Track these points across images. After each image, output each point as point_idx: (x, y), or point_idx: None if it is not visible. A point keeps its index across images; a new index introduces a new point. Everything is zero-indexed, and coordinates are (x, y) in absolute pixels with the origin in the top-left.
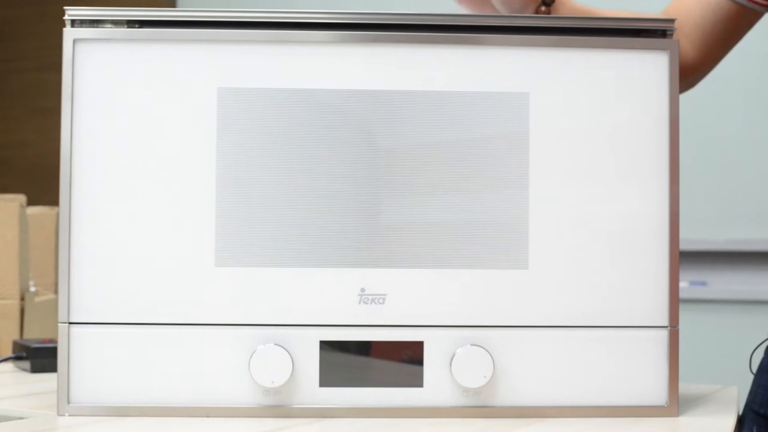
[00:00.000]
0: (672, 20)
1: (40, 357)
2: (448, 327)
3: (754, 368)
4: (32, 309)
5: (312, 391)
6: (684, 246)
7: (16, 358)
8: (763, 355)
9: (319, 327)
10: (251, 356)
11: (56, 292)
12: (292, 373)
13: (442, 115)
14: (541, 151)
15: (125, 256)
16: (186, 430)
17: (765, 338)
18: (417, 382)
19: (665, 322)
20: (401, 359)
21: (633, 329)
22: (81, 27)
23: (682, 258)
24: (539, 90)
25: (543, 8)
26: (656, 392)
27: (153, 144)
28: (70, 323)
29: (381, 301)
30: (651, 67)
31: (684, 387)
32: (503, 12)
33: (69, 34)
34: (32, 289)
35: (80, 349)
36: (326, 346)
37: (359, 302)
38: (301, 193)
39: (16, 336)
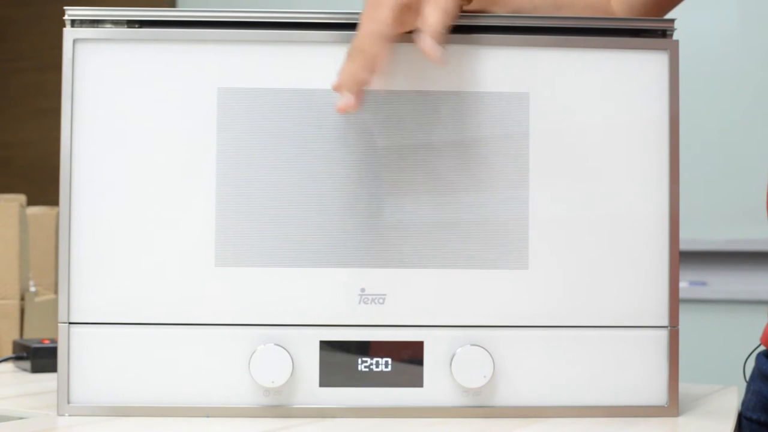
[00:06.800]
0: (672, 20)
1: (41, 357)
2: (448, 327)
3: (748, 376)
4: (32, 309)
5: (312, 391)
6: (684, 246)
7: (17, 358)
8: (755, 362)
9: (319, 327)
10: (251, 356)
11: (56, 292)
12: (292, 373)
13: (442, 115)
14: (541, 151)
15: (125, 255)
16: (186, 430)
17: (756, 345)
18: (417, 382)
19: (665, 322)
20: (401, 359)
21: (633, 329)
22: (81, 27)
23: (682, 258)
24: (539, 90)
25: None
26: (656, 392)
27: (153, 144)
28: (70, 323)
29: (381, 301)
30: (651, 67)
31: (684, 387)
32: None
33: (69, 34)
34: (32, 289)
35: (80, 349)
36: (326, 346)
37: (359, 302)
38: (301, 193)
39: (16, 336)
